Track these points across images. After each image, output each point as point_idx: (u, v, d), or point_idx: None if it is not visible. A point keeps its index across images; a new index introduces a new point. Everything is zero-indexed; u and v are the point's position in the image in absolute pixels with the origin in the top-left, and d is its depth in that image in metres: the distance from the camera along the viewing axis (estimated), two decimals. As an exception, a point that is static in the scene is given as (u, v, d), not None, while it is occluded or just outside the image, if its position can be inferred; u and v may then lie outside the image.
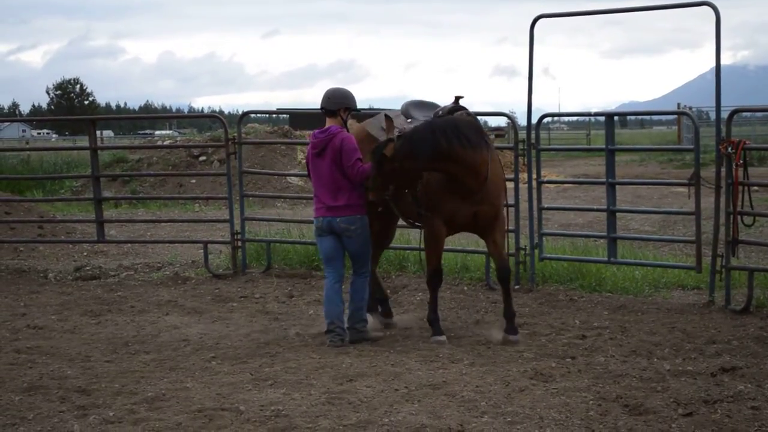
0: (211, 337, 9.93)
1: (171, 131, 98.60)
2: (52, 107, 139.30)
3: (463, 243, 13.39)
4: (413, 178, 9.25)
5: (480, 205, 9.36)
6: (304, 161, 27.48)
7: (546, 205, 12.79)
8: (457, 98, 9.79)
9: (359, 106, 10.06)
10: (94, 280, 13.78)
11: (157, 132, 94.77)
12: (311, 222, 15.91)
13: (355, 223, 9.50)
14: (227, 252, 14.46)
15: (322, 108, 9.66)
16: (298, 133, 32.15)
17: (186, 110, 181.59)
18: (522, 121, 13.76)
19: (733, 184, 10.71)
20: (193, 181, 26.81)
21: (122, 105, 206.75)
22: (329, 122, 9.60)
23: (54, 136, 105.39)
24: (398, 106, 10.27)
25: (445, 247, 10.25)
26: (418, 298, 11.74)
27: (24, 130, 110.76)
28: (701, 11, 11.00)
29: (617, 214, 12.38)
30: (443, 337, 9.47)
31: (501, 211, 9.66)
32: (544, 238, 12.37)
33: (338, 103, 9.64)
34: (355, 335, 9.59)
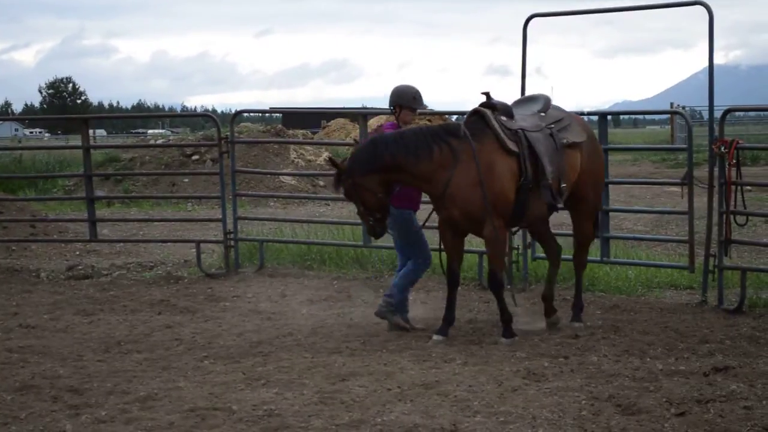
0: (204, 337, 9.92)
1: (164, 130, 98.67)
2: (45, 106, 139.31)
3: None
4: (371, 192, 9.30)
5: (449, 209, 9.31)
6: (295, 160, 27.46)
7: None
8: (486, 94, 9.74)
9: (353, 105, 10.16)
10: (87, 279, 13.76)
11: (150, 131, 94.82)
12: (304, 221, 16.03)
13: (392, 214, 9.73)
14: (220, 251, 14.45)
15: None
16: (290, 132, 32.17)
17: (179, 109, 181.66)
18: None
19: (726, 184, 10.73)
20: (186, 180, 26.77)
21: (115, 104, 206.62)
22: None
23: (46, 135, 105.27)
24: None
25: (435, 246, 10.32)
26: (411, 297, 11.71)
27: (16, 129, 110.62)
28: (694, 11, 11.02)
29: (610, 213, 12.38)
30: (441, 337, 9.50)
31: (489, 217, 9.19)
32: (537, 238, 12.36)
33: (391, 101, 10.05)
34: (378, 309, 10.12)
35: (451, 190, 9.15)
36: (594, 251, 12.81)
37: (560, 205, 9.66)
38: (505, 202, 9.23)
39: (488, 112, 9.33)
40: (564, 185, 9.48)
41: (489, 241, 9.35)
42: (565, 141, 9.50)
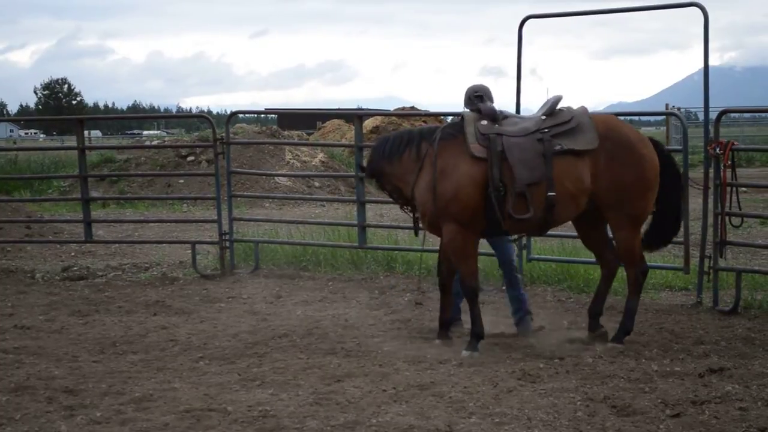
0: (199, 338, 9.91)
1: (159, 131, 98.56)
2: (40, 107, 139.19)
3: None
4: (391, 189, 9.49)
5: (418, 212, 9.42)
6: (290, 161, 27.44)
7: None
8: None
9: (348, 106, 10.11)
10: (82, 280, 13.75)
11: (145, 132, 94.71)
12: (299, 222, 16.02)
13: None
14: (215, 252, 14.45)
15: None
16: (286, 133, 32.18)
17: (174, 110, 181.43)
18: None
19: (722, 185, 10.74)
20: (181, 181, 26.75)
21: (110, 105, 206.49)
22: None
23: (42, 136, 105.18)
24: (386, 106, 10.28)
25: (430, 248, 10.30)
26: (405, 299, 11.73)
27: (12, 130, 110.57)
28: (690, 12, 11.01)
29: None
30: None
31: (450, 224, 9.04)
32: (532, 239, 12.36)
33: (466, 102, 9.84)
34: (523, 325, 10.00)
35: (414, 193, 9.19)
36: (589, 252, 12.82)
37: (528, 215, 9.00)
38: (459, 207, 8.95)
39: (469, 115, 9.32)
40: (552, 194, 8.94)
41: (445, 246, 9.23)
42: (558, 147, 9.00)
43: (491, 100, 9.73)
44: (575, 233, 9.81)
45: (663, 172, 9.28)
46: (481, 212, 8.97)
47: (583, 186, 9.03)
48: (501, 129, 9.13)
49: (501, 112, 9.35)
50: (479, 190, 8.93)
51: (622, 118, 10.37)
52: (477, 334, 9.17)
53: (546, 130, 9.10)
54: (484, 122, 9.18)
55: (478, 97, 9.66)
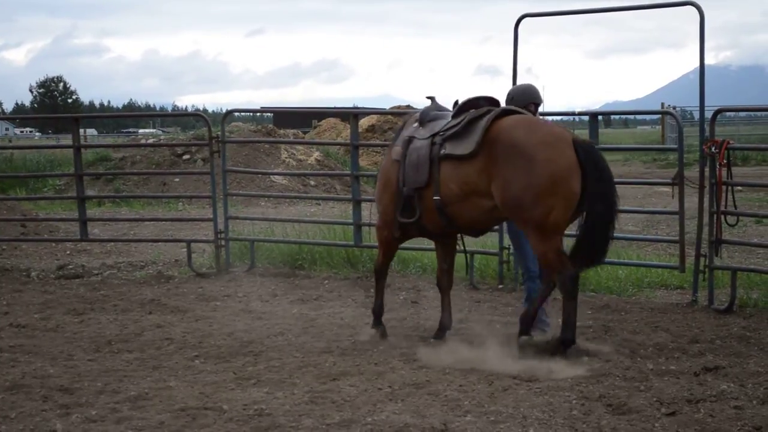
0: (195, 336, 9.91)
1: (155, 130, 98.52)
2: (36, 105, 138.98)
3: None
4: None
5: None
6: (286, 160, 27.42)
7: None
8: (431, 98, 9.75)
9: (344, 104, 10.12)
10: (77, 278, 13.74)
11: (141, 130, 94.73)
12: (295, 221, 16.02)
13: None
14: (211, 251, 14.44)
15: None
16: (281, 131, 32.15)
17: (170, 109, 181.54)
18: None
19: (717, 184, 10.75)
20: (177, 179, 26.74)
21: (106, 103, 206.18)
22: None
23: (37, 134, 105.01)
24: (382, 105, 10.31)
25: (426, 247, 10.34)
26: (401, 298, 11.73)
27: (7, 128, 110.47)
28: (685, 11, 11.04)
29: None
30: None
31: (379, 219, 9.68)
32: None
33: (524, 101, 9.55)
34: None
35: None
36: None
37: (413, 219, 9.22)
38: (381, 206, 9.55)
39: (412, 118, 9.57)
40: (437, 198, 8.96)
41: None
42: (443, 152, 8.96)
43: (530, 101, 9.48)
44: (570, 232, 9.79)
45: (585, 180, 8.46)
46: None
47: (472, 189, 8.79)
48: (414, 132, 9.32)
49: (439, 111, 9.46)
50: (395, 191, 9.31)
51: (618, 117, 10.36)
52: (375, 312, 9.79)
53: (441, 133, 9.09)
54: (415, 125, 9.41)
55: (484, 99, 9.32)
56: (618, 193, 8.78)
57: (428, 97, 9.71)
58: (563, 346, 8.60)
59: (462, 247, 10.08)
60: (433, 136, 9.10)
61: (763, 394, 7.30)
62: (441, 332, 9.54)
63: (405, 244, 10.14)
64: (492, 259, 12.75)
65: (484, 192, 8.70)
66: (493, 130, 8.68)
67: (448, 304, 9.68)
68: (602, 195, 8.53)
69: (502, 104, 9.28)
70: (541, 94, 9.71)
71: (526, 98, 9.52)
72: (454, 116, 9.16)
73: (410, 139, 9.28)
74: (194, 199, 23.83)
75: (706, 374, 7.94)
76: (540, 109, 9.80)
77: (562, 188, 8.40)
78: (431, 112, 9.45)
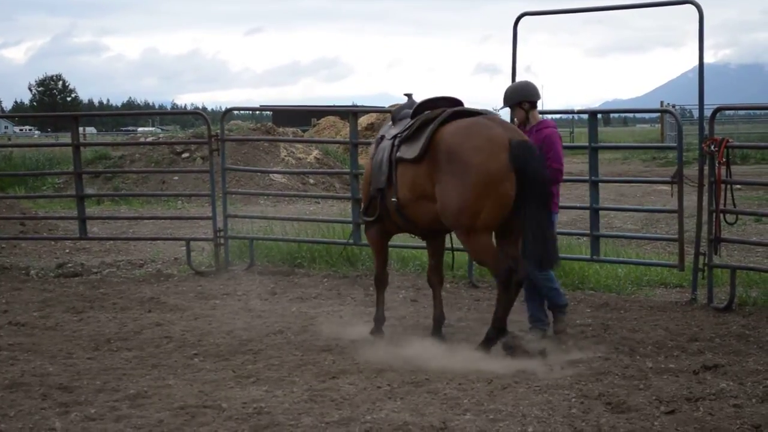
0: (194, 335, 9.91)
1: (154, 128, 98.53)
2: (35, 104, 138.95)
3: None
4: None
5: None
6: (285, 158, 27.40)
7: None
8: (408, 95, 9.78)
9: (343, 103, 10.11)
10: (76, 277, 13.74)
11: (140, 129, 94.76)
12: (294, 219, 16.01)
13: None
14: (210, 249, 14.45)
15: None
16: (281, 130, 32.13)
17: (169, 107, 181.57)
18: (506, 119, 13.74)
19: (716, 183, 10.74)
20: (176, 178, 26.72)
21: (105, 102, 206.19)
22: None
23: (36, 132, 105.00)
24: (381, 103, 10.29)
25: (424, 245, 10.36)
26: (400, 296, 11.73)
27: (6, 127, 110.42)
28: (685, 10, 11.03)
29: (600, 212, 12.36)
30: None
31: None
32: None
33: (517, 99, 9.53)
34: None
35: None
36: (584, 249, 12.86)
37: (369, 219, 9.51)
38: (364, 204, 9.64)
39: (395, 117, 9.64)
40: (394, 200, 9.10)
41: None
42: (397, 155, 9.10)
43: (523, 99, 9.45)
44: (570, 230, 9.80)
45: (519, 183, 8.44)
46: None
47: (421, 193, 8.87)
48: (386, 131, 9.43)
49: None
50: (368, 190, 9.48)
51: (617, 115, 10.34)
52: (377, 319, 9.79)
53: (399, 135, 9.18)
54: (389, 123, 9.54)
55: (443, 99, 9.39)
56: (546, 192, 8.63)
57: (405, 94, 9.73)
58: (487, 342, 8.76)
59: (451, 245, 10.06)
60: (395, 137, 9.21)
61: (762, 393, 7.31)
62: (437, 328, 9.55)
63: (405, 243, 10.15)
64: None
65: (431, 196, 8.78)
66: (437, 135, 8.77)
67: (440, 300, 9.70)
68: (533, 196, 8.45)
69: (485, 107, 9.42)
70: (539, 91, 9.64)
71: (517, 96, 9.48)
72: (411, 117, 9.26)
73: (381, 138, 9.42)
74: (193, 198, 23.83)
75: (705, 372, 7.94)
76: (539, 108, 9.75)
77: (494, 192, 8.44)
78: (403, 111, 9.50)
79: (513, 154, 8.40)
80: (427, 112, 9.08)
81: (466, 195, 8.47)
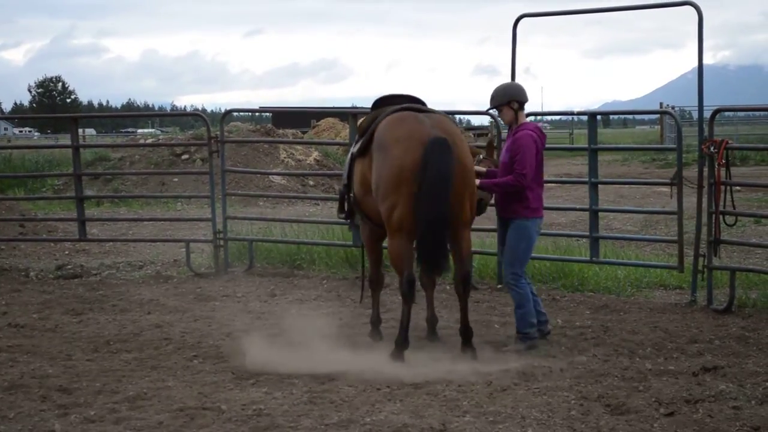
0: (193, 336, 9.90)
1: (153, 129, 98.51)
2: (34, 105, 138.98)
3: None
4: None
5: None
6: (285, 160, 27.38)
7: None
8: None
9: (342, 104, 10.08)
10: (76, 278, 13.73)
11: (140, 130, 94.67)
12: (293, 221, 16.01)
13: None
14: (209, 251, 14.44)
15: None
16: (280, 131, 32.14)
17: (169, 109, 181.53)
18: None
19: (716, 184, 10.74)
20: (176, 179, 26.73)
21: (105, 103, 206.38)
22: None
23: (36, 134, 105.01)
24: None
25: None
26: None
27: (6, 128, 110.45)
28: (684, 11, 11.03)
29: (600, 213, 12.36)
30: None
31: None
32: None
33: (505, 100, 9.38)
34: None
35: None
36: (583, 251, 12.85)
37: (343, 215, 9.67)
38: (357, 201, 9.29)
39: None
40: (350, 195, 9.28)
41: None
42: (352, 151, 9.27)
43: (511, 99, 9.30)
44: (570, 232, 9.80)
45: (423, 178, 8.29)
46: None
47: (367, 187, 8.84)
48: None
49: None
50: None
51: (617, 116, 10.32)
52: (373, 322, 9.84)
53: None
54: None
55: (400, 97, 9.42)
56: (442, 196, 8.29)
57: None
58: (397, 350, 8.65)
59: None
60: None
61: (761, 394, 7.31)
62: (431, 330, 9.57)
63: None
64: (491, 259, 12.74)
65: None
66: (376, 129, 8.79)
67: (431, 302, 9.72)
68: (429, 195, 8.23)
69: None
70: (527, 92, 9.42)
71: (507, 96, 9.34)
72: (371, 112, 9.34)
73: (358, 138, 9.41)
74: (193, 199, 23.82)
75: (704, 374, 7.94)
76: (540, 108, 9.75)
77: (404, 187, 8.32)
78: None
79: (426, 149, 8.26)
80: (382, 108, 9.12)
81: (383, 186, 8.48)
